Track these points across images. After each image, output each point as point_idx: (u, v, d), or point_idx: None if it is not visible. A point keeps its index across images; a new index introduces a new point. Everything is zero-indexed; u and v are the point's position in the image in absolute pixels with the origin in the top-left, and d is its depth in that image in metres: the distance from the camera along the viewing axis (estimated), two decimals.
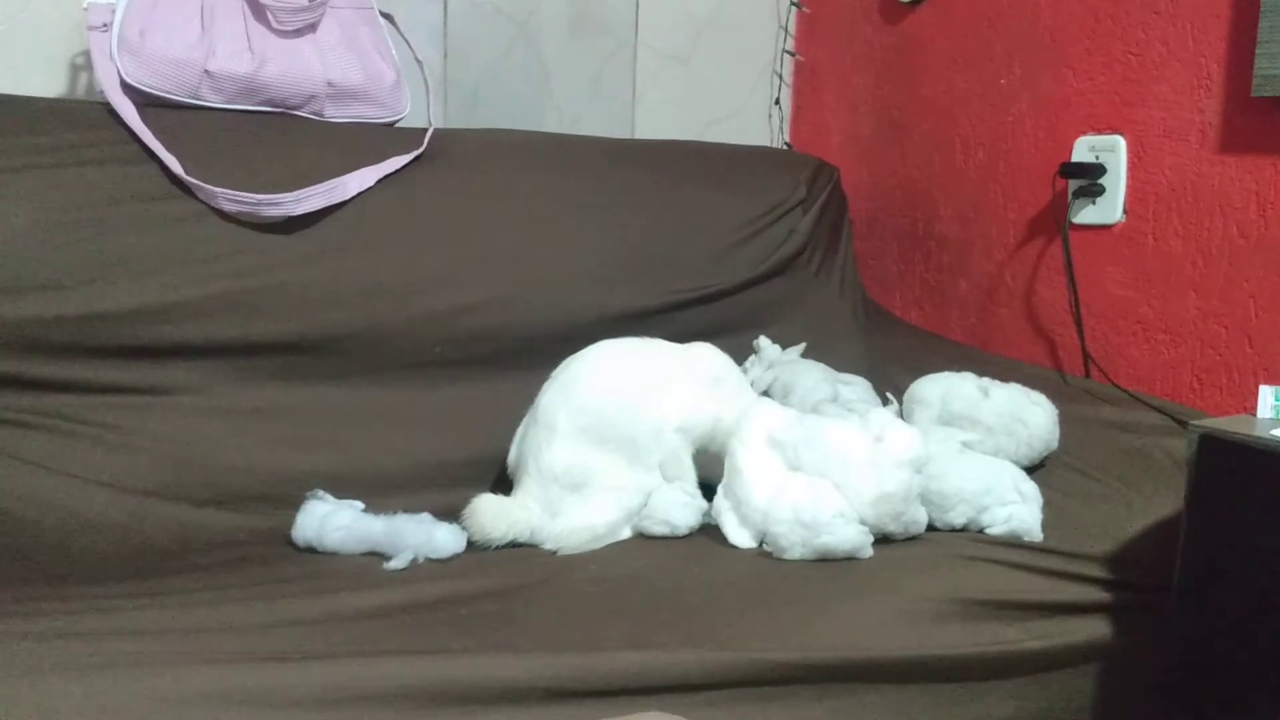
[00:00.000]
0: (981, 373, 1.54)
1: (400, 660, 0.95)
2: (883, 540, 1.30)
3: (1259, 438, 1.10)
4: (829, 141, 2.22)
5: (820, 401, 1.56)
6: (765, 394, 1.61)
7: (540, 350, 1.54)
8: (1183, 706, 1.23)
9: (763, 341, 1.74)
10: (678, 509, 1.37)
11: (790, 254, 1.84)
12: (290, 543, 1.30)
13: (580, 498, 1.35)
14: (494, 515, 1.32)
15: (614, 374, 1.40)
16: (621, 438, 1.37)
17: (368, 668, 0.93)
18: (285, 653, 0.94)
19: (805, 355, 1.73)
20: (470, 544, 1.30)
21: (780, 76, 2.26)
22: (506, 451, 1.45)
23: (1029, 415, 1.45)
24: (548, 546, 1.33)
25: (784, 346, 1.74)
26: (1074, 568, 1.26)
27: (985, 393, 1.47)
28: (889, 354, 1.84)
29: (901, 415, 1.52)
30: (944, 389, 1.49)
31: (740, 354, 1.69)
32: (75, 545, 1.24)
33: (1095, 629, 1.23)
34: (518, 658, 0.98)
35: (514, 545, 1.32)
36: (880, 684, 1.10)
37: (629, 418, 1.37)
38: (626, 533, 1.37)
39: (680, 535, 1.37)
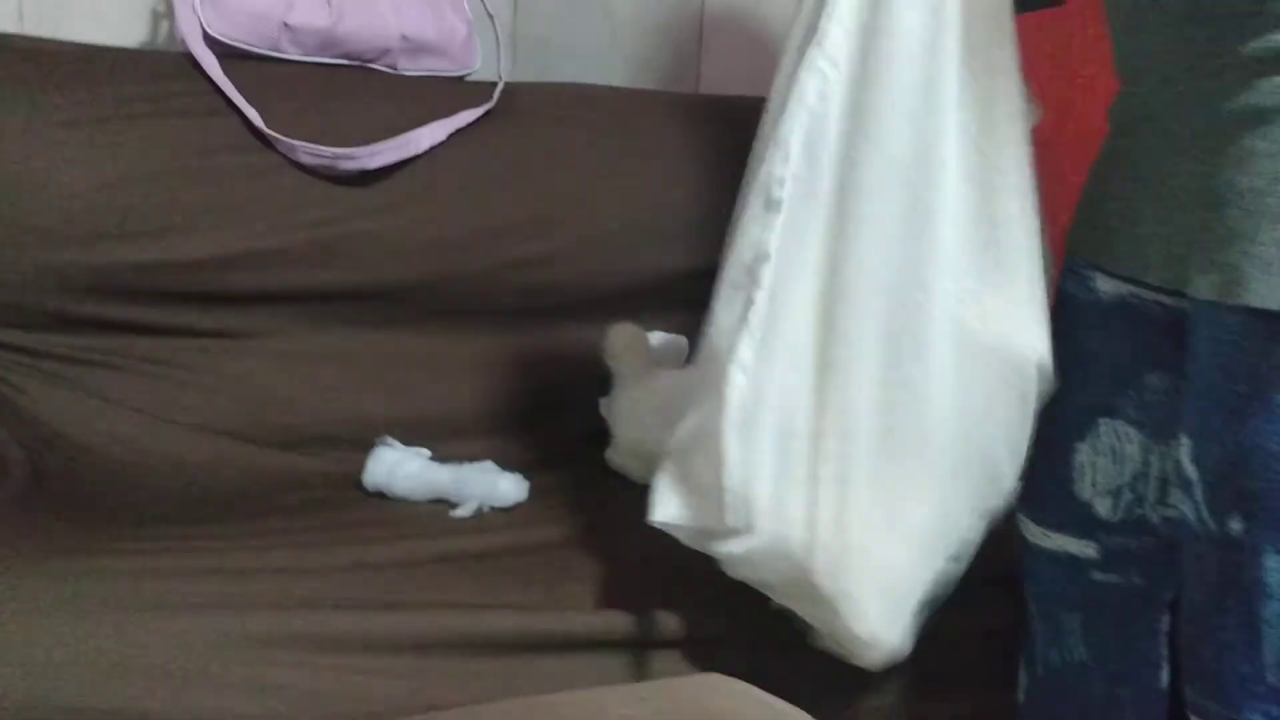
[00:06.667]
0: None
1: (470, 613, 1.03)
2: None
3: None
4: None
5: None
6: None
7: (604, 305, 1.57)
8: None
9: None
10: None
11: None
12: (359, 487, 1.35)
13: None
14: None
15: None
16: None
17: (441, 619, 1.01)
18: (363, 599, 1.01)
19: None
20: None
21: None
22: (567, 400, 1.49)
23: None
24: None
25: None
26: None
27: None
28: None
29: None
30: None
31: None
32: (157, 484, 1.30)
33: None
34: (579, 614, 1.05)
35: None
36: None
37: None
38: None
39: None
